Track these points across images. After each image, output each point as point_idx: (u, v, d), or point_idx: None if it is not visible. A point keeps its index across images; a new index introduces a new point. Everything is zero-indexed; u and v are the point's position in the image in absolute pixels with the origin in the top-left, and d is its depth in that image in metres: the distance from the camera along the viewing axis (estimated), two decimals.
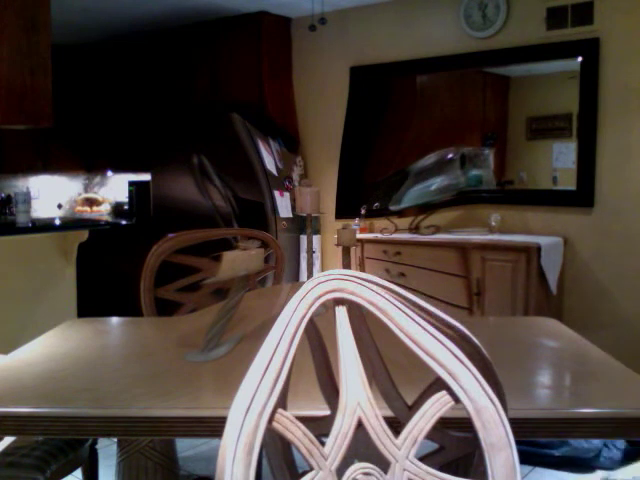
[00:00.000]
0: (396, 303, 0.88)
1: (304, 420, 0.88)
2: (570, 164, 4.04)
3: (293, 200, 4.73)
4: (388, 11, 4.69)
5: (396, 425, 0.91)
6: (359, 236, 4.27)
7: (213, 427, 1.25)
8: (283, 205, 4.79)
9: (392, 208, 4.48)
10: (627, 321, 3.84)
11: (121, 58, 5.85)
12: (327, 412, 0.95)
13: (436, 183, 4.31)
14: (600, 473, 2.90)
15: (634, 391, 1.40)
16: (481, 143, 4.44)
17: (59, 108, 4.01)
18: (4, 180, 5.91)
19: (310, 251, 2.27)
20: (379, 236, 4.35)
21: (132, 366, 1.67)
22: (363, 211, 4.62)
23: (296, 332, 0.88)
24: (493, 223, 4.15)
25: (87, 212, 6.23)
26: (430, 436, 0.91)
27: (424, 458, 0.93)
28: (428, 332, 0.88)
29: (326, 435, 0.89)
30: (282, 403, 0.87)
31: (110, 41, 5.82)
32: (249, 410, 0.84)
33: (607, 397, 1.39)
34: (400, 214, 4.48)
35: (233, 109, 4.79)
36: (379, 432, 0.89)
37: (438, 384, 0.89)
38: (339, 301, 0.90)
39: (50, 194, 6.28)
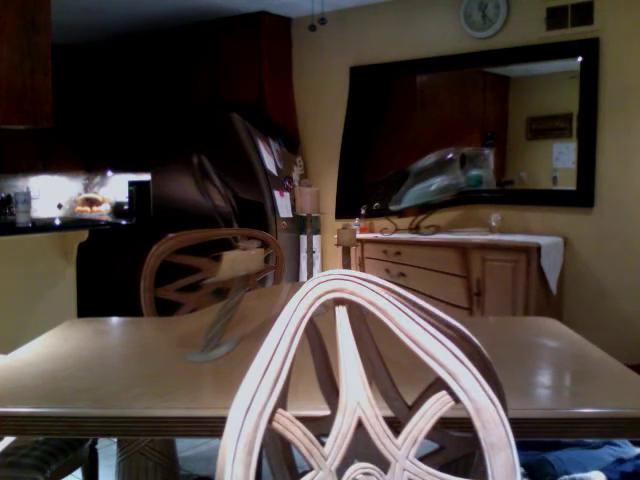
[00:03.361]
0: (396, 303, 0.88)
1: (304, 420, 0.88)
2: (570, 164, 4.04)
3: (293, 200, 4.73)
4: (388, 11, 4.68)
5: (396, 425, 0.91)
6: (359, 236, 4.26)
7: (213, 427, 1.25)
8: (283, 205, 4.78)
9: (392, 208, 4.47)
10: (627, 321, 3.84)
11: (121, 58, 5.85)
12: (327, 412, 0.95)
13: (436, 183, 4.31)
14: None
15: (634, 391, 1.40)
16: (481, 143, 4.44)
17: (59, 108, 4.01)
18: (4, 180, 5.91)
19: (310, 251, 2.26)
20: (379, 236, 4.35)
21: (132, 366, 1.67)
22: (363, 211, 4.61)
23: (296, 332, 0.88)
24: (493, 223, 4.14)
25: (87, 212, 6.23)
26: (430, 436, 0.91)
27: (424, 458, 0.93)
28: (428, 332, 0.88)
29: (326, 435, 0.89)
30: (282, 403, 0.87)
31: (110, 41, 5.82)
32: (249, 410, 0.84)
33: (607, 397, 1.39)
34: (400, 214, 4.48)
35: (233, 109, 4.79)
36: (379, 432, 0.89)
37: (438, 384, 0.89)
38: (339, 301, 0.90)
39: (50, 194, 6.28)
